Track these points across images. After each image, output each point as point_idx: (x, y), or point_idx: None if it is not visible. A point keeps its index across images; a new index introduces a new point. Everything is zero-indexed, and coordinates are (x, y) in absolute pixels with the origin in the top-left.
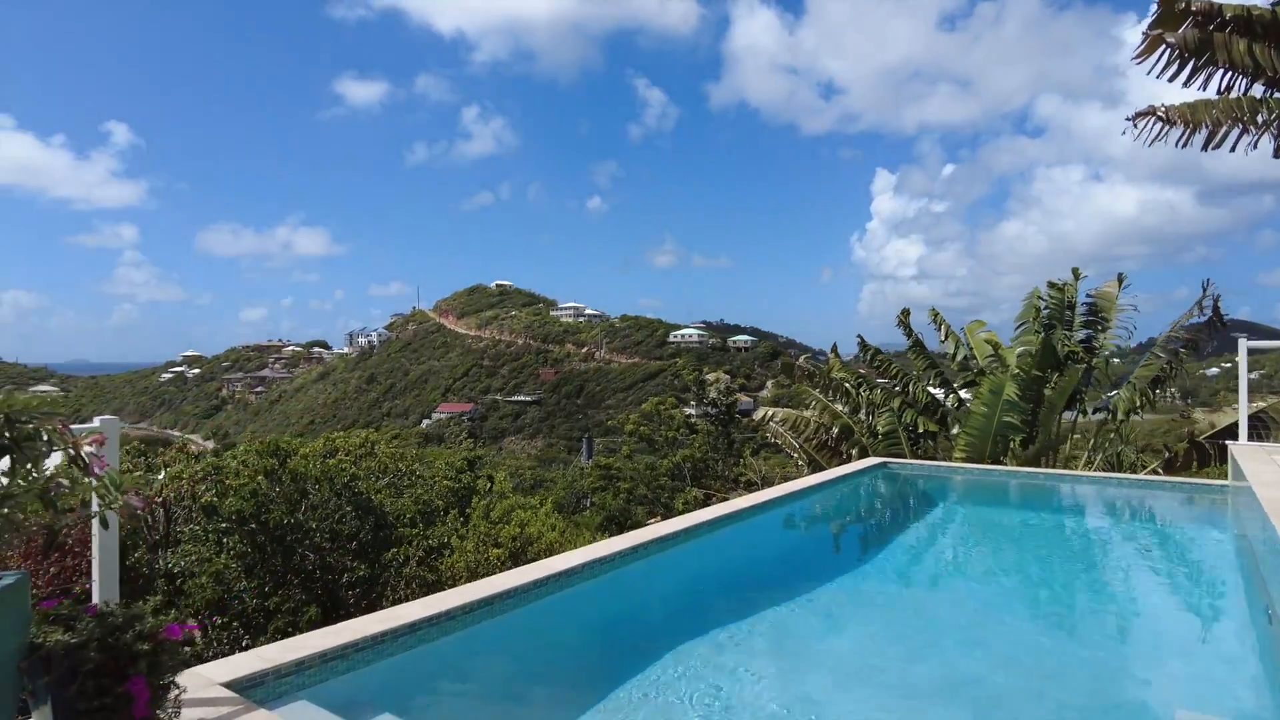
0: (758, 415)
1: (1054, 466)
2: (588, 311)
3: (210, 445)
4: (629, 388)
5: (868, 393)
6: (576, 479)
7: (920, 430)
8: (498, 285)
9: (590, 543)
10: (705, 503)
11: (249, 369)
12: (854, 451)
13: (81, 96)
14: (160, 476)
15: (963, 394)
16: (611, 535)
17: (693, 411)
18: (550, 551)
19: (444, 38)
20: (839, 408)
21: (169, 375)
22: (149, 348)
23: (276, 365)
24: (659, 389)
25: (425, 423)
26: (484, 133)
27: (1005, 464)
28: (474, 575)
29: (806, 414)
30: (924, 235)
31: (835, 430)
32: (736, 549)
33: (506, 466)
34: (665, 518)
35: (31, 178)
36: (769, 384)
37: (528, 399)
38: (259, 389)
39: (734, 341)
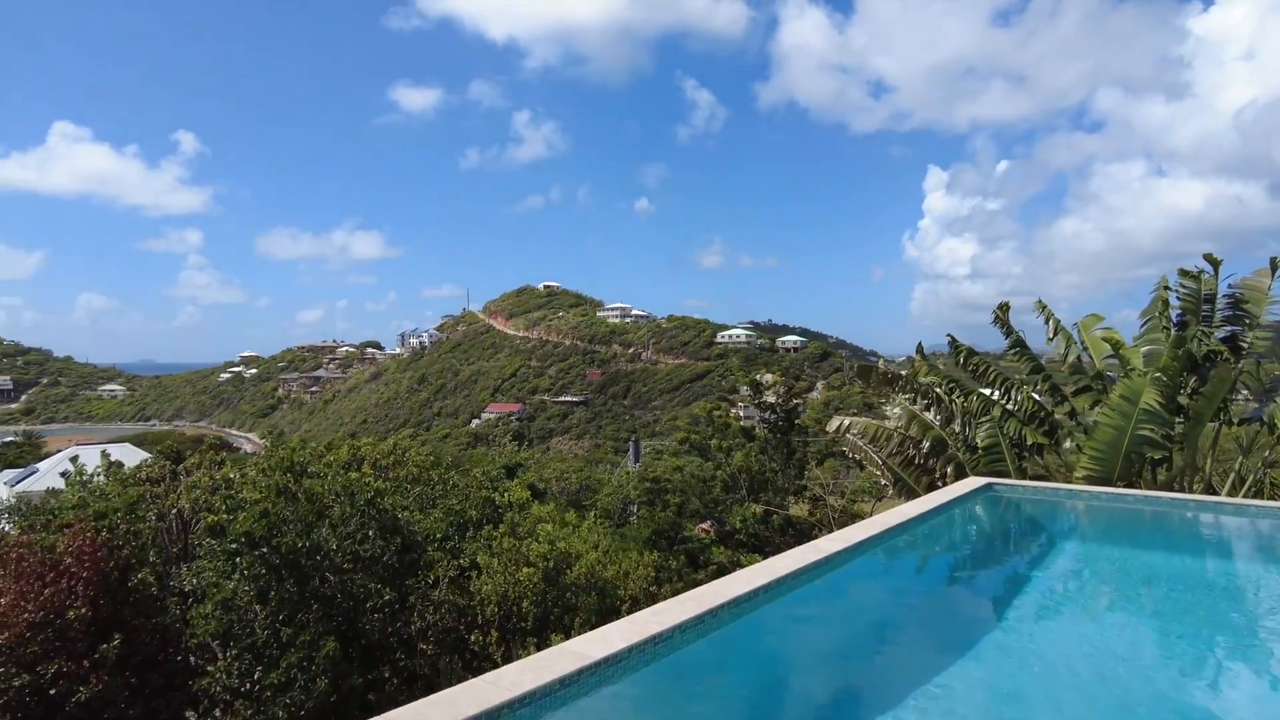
0: (831, 425)
1: (1197, 490)
2: (634, 312)
3: (265, 443)
4: (676, 388)
5: (962, 400)
6: (624, 483)
7: (1028, 442)
8: (545, 286)
9: (637, 563)
10: (765, 519)
11: (304, 369)
12: (949, 469)
13: (153, 108)
14: (181, 484)
15: (1076, 402)
16: (661, 551)
17: (740, 413)
18: (593, 573)
19: (496, 45)
20: (929, 417)
21: (227, 375)
22: (209, 348)
23: (331, 366)
24: (706, 390)
25: (474, 423)
26: (535, 137)
27: (1140, 487)
28: (504, 599)
29: (888, 424)
30: (977, 234)
31: (926, 443)
32: (829, 604)
33: (552, 469)
34: (720, 532)
35: (106, 186)
36: (819, 385)
37: (575, 399)
38: (314, 389)
39: (783, 342)
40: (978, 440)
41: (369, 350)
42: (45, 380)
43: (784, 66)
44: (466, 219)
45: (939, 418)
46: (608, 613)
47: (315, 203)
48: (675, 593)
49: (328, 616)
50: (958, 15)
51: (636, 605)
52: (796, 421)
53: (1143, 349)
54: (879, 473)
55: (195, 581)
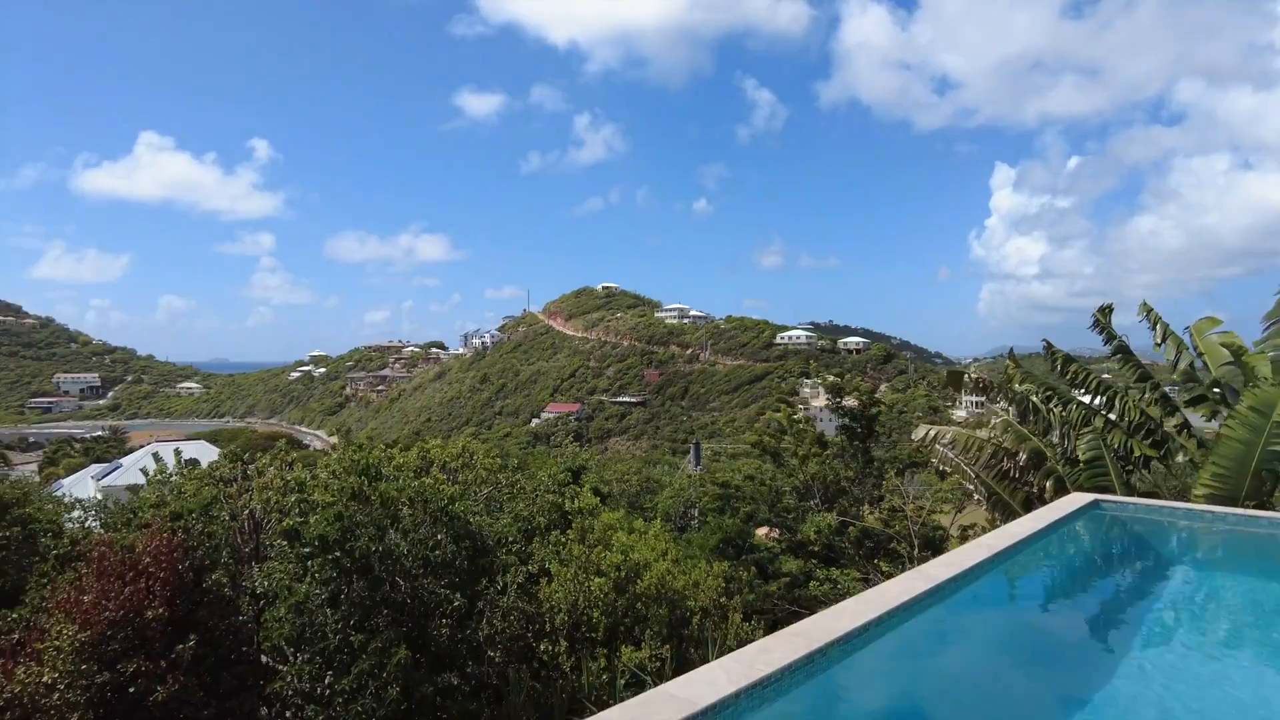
0: (917, 434)
1: None
2: (693, 313)
3: (334, 441)
4: (734, 390)
5: (1061, 409)
6: (685, 487)
7: (1135, 455)
8: (604, 287)
9: (707, 573)
10: (841, 530)
11: (371, 368)
12: (1047, 483)
13: (230, 117)
14: (253, 484)
15: (1190, 413)
16: (729, 560)
17: (800, 416)
18: (663, 584)
19: (558, 49)
20: (1023, 428)
21: (297, 374)
22: (280, 348)
23: (396, 365)
24: (765, 392)
25: (534, 422)
26: (595, 140)
27: (1274, 508)
28: (574, 608)
29: (979, 433)
30: (1047, 232)
31: (1022, 456)
32: (942, 639)
33: (613, 470)
34: (790, 541)
35: (187, 192)
36: (882, 388)
37: (633, 400)
38: (380, 388)
39: (844, 343)
40: (1079, 453)
41: (433, 350)
42: (130, 378)
43: (846, 64)
44: (528, 221)
45: (1036, 428)
46: (677, 624)
47: (383, 207)
48: (746, 604)
49: (397, 622)
50: (1027, 8)
51: (707, 617)
52: (876, 429)
53: (1270, 355)
54: (971, 486)
55: (267, 583)
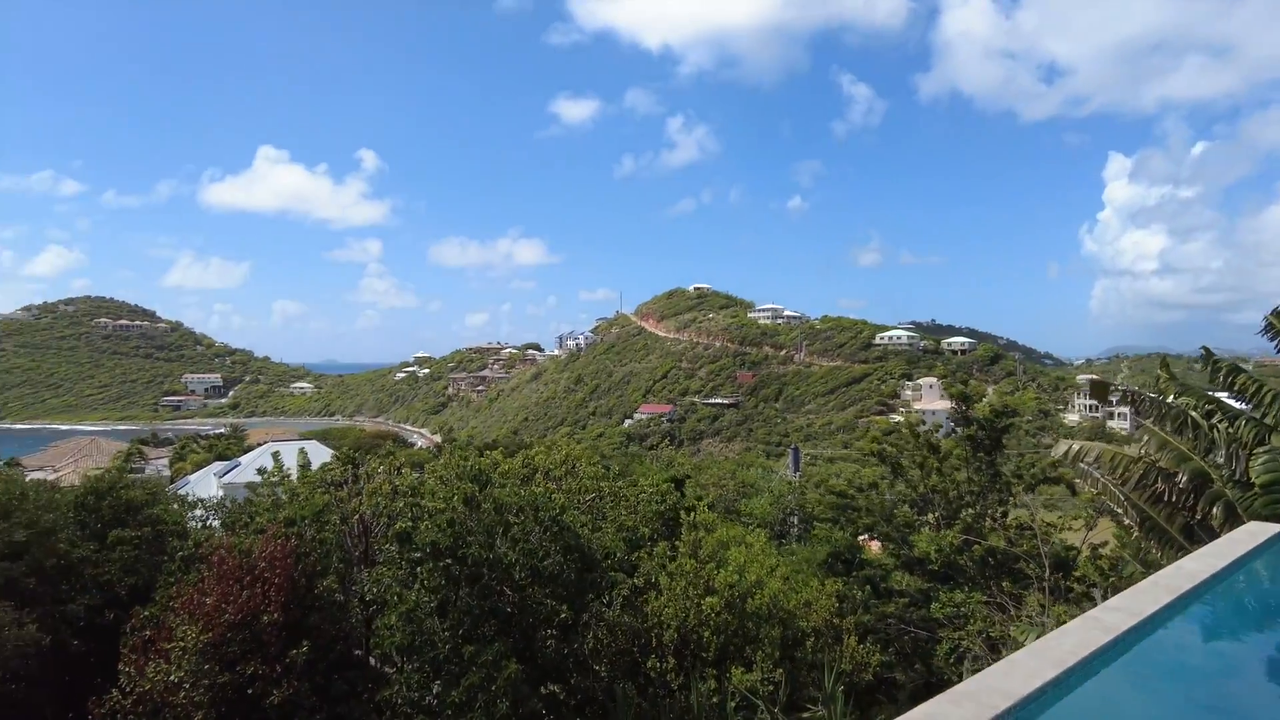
0: (1058, 450)
1: None
2: (787, 313)
3: (438, 439)
4: (831, 392)
5: (1228, 425)
6: (784, 493)
7: None
8: (695, 288)
9: (818, 592)
10: (963, 548)
11: (471, 369)
12: (1214, 509)
13: (340, 130)
14: (363, 487)
15: None
16: (838, 575)
17: (901, 419)
18: (776, 604)
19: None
20: (1184, 446)
21: (402, 375)
22: (386, 349)
23: (495, 366)
24: (864, 394)
25: (627, 422)
26: (687, 141)
27: None
28: (684, 625)
29: (1127, 450)
30: (1168, 224)
31: (1182, 478)
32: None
33: (710, 475)
34: (907, 558)
35: (300, 203)
36: (989, 391)
37: (725, 402)
38: (480, 388)
39: (948, 344)
40: (1253, 476)
41: (530, 352)
42: (248, 378)
43: (946, 56)
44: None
45: (1197, 446)
46: (790, 645)
47: (482, 213)
48: (860, 624)
49: (504, 632)
50: None
51: (820, 638)
52: (1004, 441)
53: None
54: (1120, 510)
55: (376, 589)
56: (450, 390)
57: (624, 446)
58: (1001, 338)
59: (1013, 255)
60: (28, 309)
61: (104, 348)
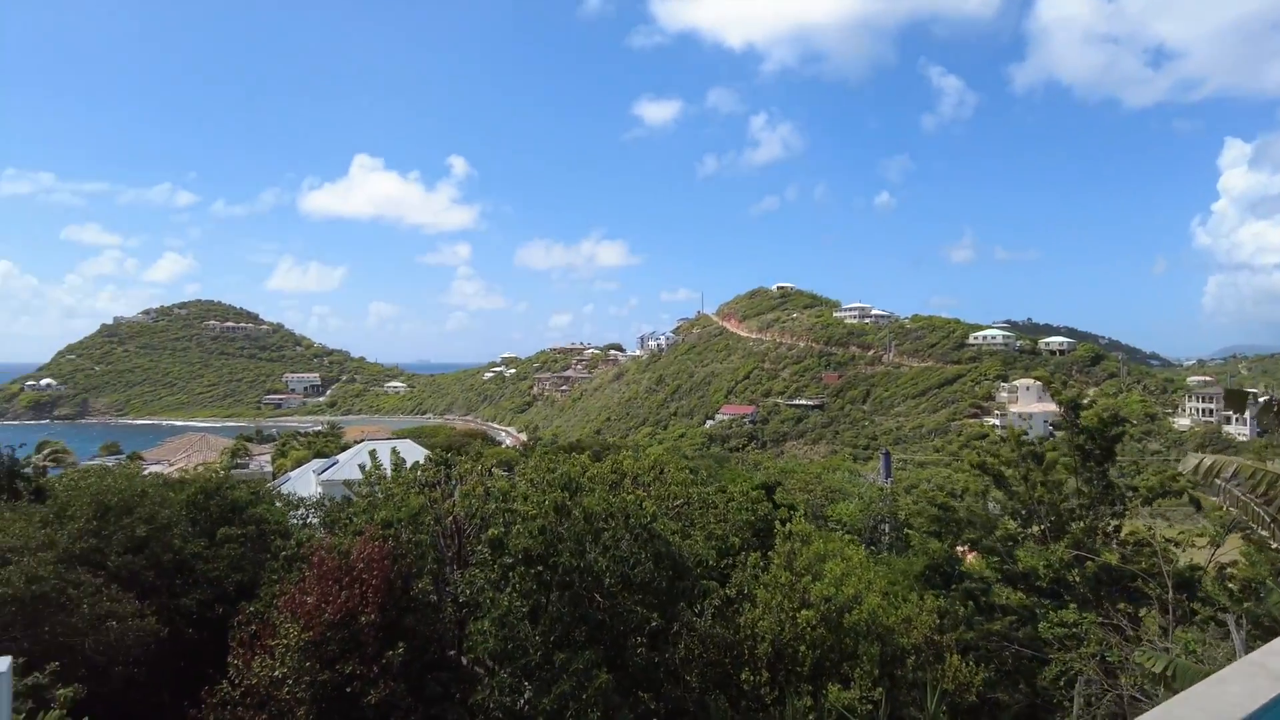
0: (1188, 464)
1: None
2: (874, 312)
3: (524, 438)
4: (921, 394)
5: None
6: (874, 499)
7: None
8: (779, 287)
9: (917, 605)
10: (1077, 563)
11: (555, 369)
12: None
13: (432, 137)
14: (456, 489)
15: None
16: (937, 589)
17: (997, 422)
18: (875, 620)
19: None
20: None
21: (490, 375)
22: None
23: (578, 366)
24: (956, 396)
25: (709, 423)
26: (771, 139)
27: None
28: (778, 638)
29: (1270, 467)
30: None
31: None
32: None
33: (796, 480)
34: (1009, 573)
35: (394, 208)
36: (1090, 393)
37: (810, 403)
38: (564, 388)
39: (1046, 343)
40: None
41: (612, 352)
42: (345, 378)
43: (1042, 43)
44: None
45: None
46: (889, 663)
47: (567, 216)
48: (961, 641)
49: (595, 639)
50: None
51: (920, 655)
52: (1117, 450)
53: None
54: (1266, 532)
55: (469, 591)
56: (535, 390)
57: (705, 447)
58: (1103, 337)
59: (1115, 250)
60: (147, 312)
61: (213, 348)
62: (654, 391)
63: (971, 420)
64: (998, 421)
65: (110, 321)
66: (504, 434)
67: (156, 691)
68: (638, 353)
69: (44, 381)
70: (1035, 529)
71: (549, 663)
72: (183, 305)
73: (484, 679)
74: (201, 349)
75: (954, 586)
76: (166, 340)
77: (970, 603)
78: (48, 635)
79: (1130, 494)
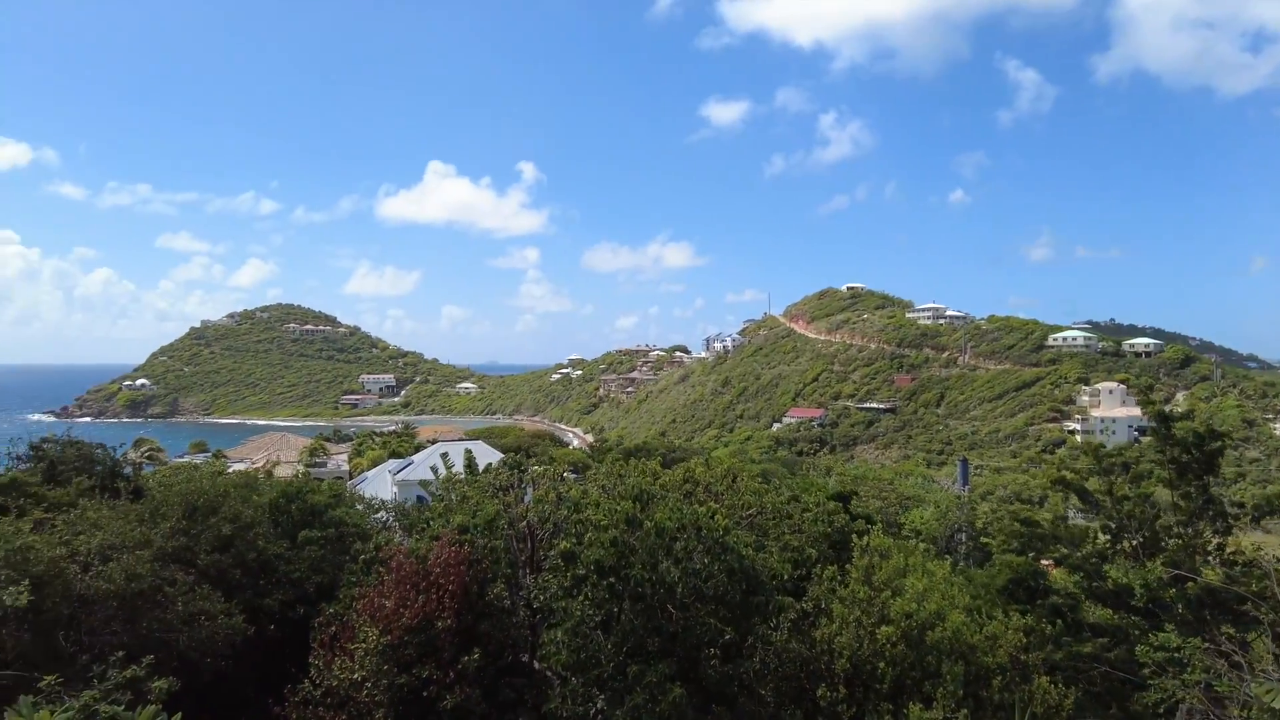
0: None
1: None
2: (949, 313)
3: (590, 439)
4: (998, 397)
5: None
6: (951, 508)
7: None
8: (849, 288)
9: (1003, 622)
10: (1175, 583)
11: (621, 371)
12: None
13: (503, 143)
14: (529, 493)
15: None
16: (1019, 603)
17: (1078, 427)
18: (958, 638)
19: (803, 50)
20: None
21: (557, 376)
22: (542, 351)
23: (644, 368)
24: (1035, 400)
25: (776, 426)
26: (840, 137)
27: None
28: (856, 654)
29: None
30: None
31: None
32: None
33: (869, 487)
34: (1098, 590)
35: (467, 214)
36: (1179, 397)
37: (881, 406)
38: (629, 389)
39: (1131, 345)
40: None
41: (677, 354)
42: (418, 379)
43: (1128, 32)
44: (770, 225)
45: None
46: (973, 682)
47: (633, 218)
48: (1048, 661)
49: (667, 651)
50: None
51: (1005, 675)
52: (1218, 463)
53: None
54: None
55: (542, 597)
56: (601, 391)
57: (773, 451)
58: (1193, 338)
59: (1207, 247)
60: (231, 315)
61: (292, 350)
62: (720, 394)
63: (1051, 425)
64: (1078, 426)
65: (198, 325)
66: (571, 435)
67: (242, 686)
68: (703, 354)
69: (139, 382)
70: (1125, 544)
71: (622, 674)
72: (265, 309)
73: (556, 686)
74: (282, 351)
75: (1039, 602)
76: (249, 342)
77: (1058, 620)
78: (144, 630)
79: (1237, 510)
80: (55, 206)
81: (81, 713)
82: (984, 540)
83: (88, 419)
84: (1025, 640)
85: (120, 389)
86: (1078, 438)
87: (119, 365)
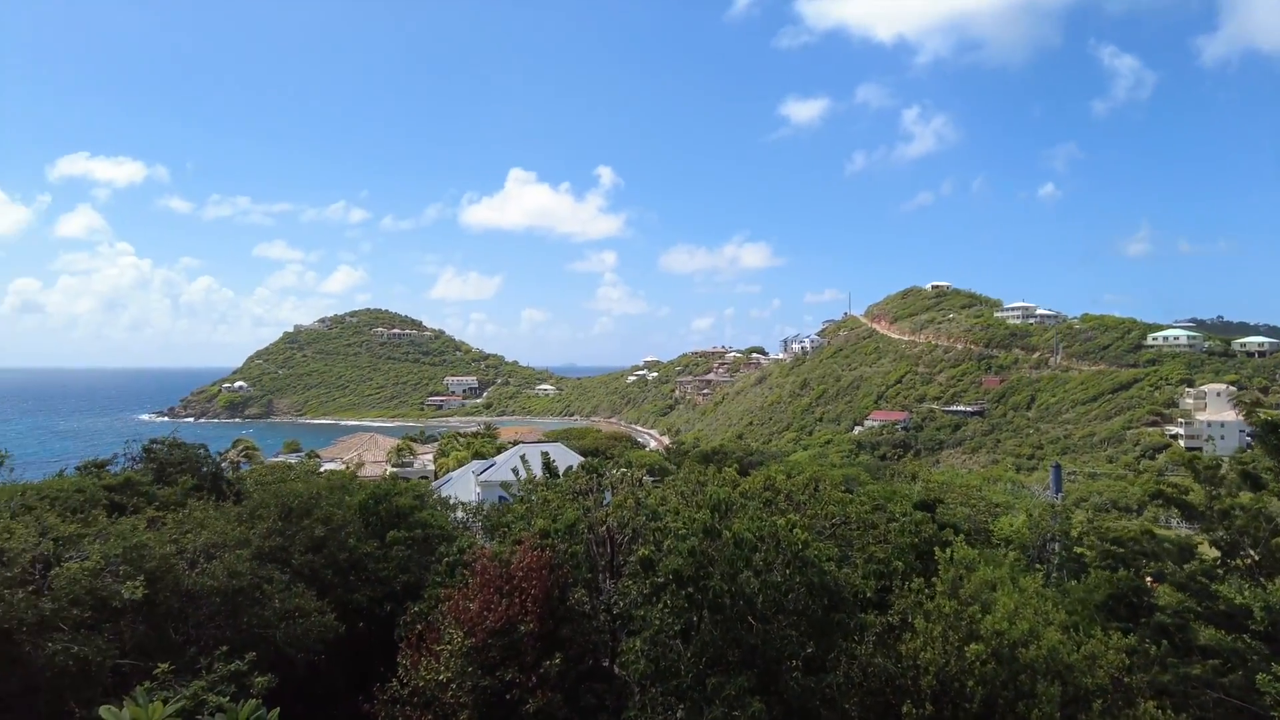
0: None
1: None
2: (1039, 312)
3: (666, 441)
4: (1093, 399)
5: None
6: (1044, 516)
7: None
8: (934, 287)
9: (1102, 640)
10: None
11: (697, 373)
12: None
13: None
14: (608, 497)
15: None
16: (1119, 620)
17: (1180, 431)
18: (1054, 656)
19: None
20: None
21: (633, 378)
22: (619, 353)
23: (720, 370)
24: (1132, 403)
25: (857, 429)
26: (924, 133)
27: None
28: (943, 671)
29: None
30: None
31: None
32: None
33: (954, 495)
34: (1210, 611)
35: (546, 219)
36: None
37: (968, 409)
38: (705, 391)
39: (1241, 344)
40: None
41: (754, 355)
42: (499, 380)
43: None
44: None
45: None
46: (1071, 704)
47: (710, 220)
48: (1153, 683)
49: (747, 663)
50: None
51: (1106, 697)
52: None
53: None
54: None
55: (622, 603)
56: (676, 393)
57: (854, 455)
58: None
59: None
60: (322, 320)
61: (380, 353)
62: (798, 396)
63: (1150, 429)
64: (1181, 431)
65: (291, 329)
66: (647, 436)
67: (333, 680)
68: (781, 356)
69: (237, 384)
70: (1240, 561)
71: (701, 685)
72: (354, 314)
73: (636, 694)
74: (371, 354)
75: (1142, 620)
76: (340, 346)
77: (1163, 641)
78: (245, 625)
79: None
80: (165, 219)
81: (191, 701)
82: (1079, 550)
83: (190, 419)
84: (1128, 661)
85: (220, 391)
86: (1181, 443)
87: (219, 368)
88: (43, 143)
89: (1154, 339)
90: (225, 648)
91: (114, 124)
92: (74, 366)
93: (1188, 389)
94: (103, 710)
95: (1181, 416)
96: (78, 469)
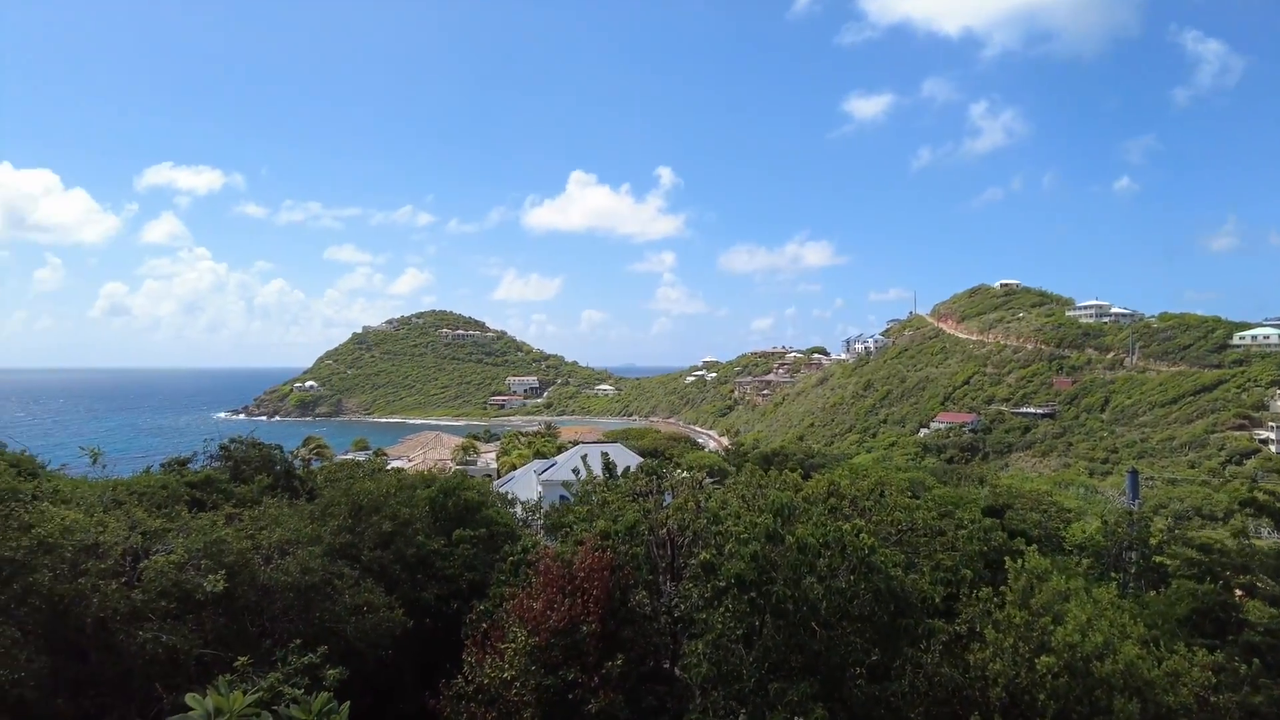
0: None
1: None
2: (1114, 310)
3: (725, 441)
4: (1172, 401)
5: None
6: (1120, 524)
7: None
8: (1002, 285)
9: (1185, 656)
10: None
11: (757, 373)
12: None
13: (641, 149)
14: (669, 500)
15: None
16: (1205, 636)
17: (1271, 436)
18: (1132, 672)
19: (951, 39)
20: None
21: (692, 378)
22: (678, 354)
23: (780, 370)
24: (1216, 405)
25: (923, 432)
26: (993, 127)
27: None
28: (1013, 683)
29: None
30: None
31: None
32: None
33: (1024, 502)
34: None
35: (606, 220)
36: None
37: (1039, 411)
38: (765, 392)
39: None
40: None
41: (815, 356)
42: (560, 380)
43: None
44: (915, 220)
45: None
46: None
47: (770, 219)
48: (1242, 704)
49: (811, 670)
50: None
51: (1189, 716)
52: None
53: None
54: None
55: (684, 606)
56: (735, 394)
57: (919, 458)
58: None
59: None
60: (389, 322)
61: (445, 354)
62: (861, 397)
63: (1236, 433)
64: (1273, 435)
65: (360, 330)
66: (706, 437)
67: (400, 675)
68: (843, 356)
69: (308, 384)
70: None
71: (763, 690)
72: (419, 315)
73: (697, 697)
74: (436, 354)
75: (1230, 637)
76: (406, 347)
77: (1255, 660)
78: (316, 619)
79: None
80: (241, 225)
81: (268, 692)
82: (1158, 559)
83: (264, 418)
84: (1215, 679)
85: (291, 390)
86: (1272, 448)
87: (290, 368)
88: (131, 154)
89: (1241, 338)
90: (298, 641)
91: (195, 134)
92: (157, 367)
93: (1279, 391)
94: (189, 698)
95: (1272, 420)
96: (162, 466)
